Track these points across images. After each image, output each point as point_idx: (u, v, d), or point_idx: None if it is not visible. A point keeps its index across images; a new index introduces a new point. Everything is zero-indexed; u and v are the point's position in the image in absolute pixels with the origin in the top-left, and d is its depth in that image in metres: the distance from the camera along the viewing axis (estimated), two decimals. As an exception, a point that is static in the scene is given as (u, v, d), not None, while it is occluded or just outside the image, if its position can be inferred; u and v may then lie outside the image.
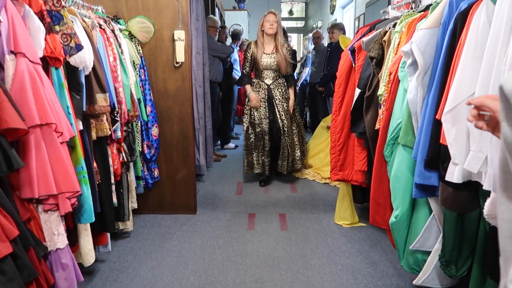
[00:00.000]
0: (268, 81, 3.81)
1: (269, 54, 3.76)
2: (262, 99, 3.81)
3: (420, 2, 2.30)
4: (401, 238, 1.96)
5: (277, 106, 3.81)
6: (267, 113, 3.82)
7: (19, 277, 1.31)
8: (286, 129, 3.83)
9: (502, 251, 0.65)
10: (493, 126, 0.85)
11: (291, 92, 3.91)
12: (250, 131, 3.88)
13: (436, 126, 1.57)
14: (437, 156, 1.59)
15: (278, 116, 3.82)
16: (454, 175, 1.46)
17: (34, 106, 1.51)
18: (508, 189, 0.61)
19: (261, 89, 3.82)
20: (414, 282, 1.94)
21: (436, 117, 1.55)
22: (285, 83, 3.89)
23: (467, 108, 1.39)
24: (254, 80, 3.87)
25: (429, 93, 1.65)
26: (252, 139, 3.87)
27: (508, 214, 0.61)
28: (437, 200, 1.72)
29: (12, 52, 1.50)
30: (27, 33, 1.59)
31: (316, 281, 2.30)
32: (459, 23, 1.52)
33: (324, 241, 2.81)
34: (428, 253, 1.86)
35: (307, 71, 6.36)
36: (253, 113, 3.83)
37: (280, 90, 3.83)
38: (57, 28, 1.79)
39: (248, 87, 3.85)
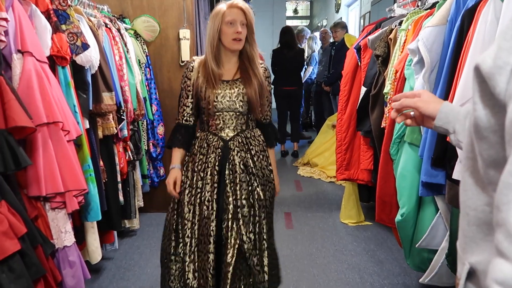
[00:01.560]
0: (226, 133, 1.71)
1: (229, 83, 1.69)
2: (206, 172, 1.70)
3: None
4: (407, 237, 1.95)
5: (234, 191, 1.69)
6: (213, 206, 1.68)
7: (27, 274, 1.32)
8: (244, 237, 1.68)
9: (463, 236, 0.64)
10: (421, 119, 0.93)
11: (271, 157, 1.83)
12: (179, 227, 1.74)
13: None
14: (444, 154, 1.59)
15: (231, 212, 1.67)
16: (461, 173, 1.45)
17: (41, 105, 1.52)
18: (474, 175, 0.60)
19: (210, 151, 1.71)
20: (420, 280, 1.93)
21: (443, 115, 1.54)
22: (260, 138, 1.78)
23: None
24: (199, 135, 1.76)
25: (436, 91, 1.64)
26: (181, 243, 1.73)
27: (475, 201, 0.60)
28: (443, 198, 1.71)
29: (19, 51, 1.51)
30: (34, 32, 1.60)
31: (322, 279, 2.30)
32: (466, 20, 1.51)
33: (330, 240, 2.80)
34: (435, 251, 1.85)
35: (311, 69, 6.35)
36: (184, 201, 1.72)
37: (248, 153, 1.72)
38: (63, 27, 1.80)
39: (178, 154, 1.75)
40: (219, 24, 1.60)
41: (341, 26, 5.13)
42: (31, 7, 1.65)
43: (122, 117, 2.38)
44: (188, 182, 1.72)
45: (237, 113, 1.69)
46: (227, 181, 1.68)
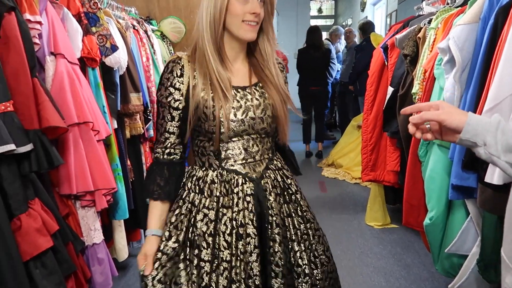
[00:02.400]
0: (252, 168, 1.13)
1: (246, 91, 1.13)
2: (238, 236, 1.08)
3: (457, -3, 2.23)
4: (436, 241, 1.90)
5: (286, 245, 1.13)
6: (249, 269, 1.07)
7: (59, 271, 1.36)
8: None
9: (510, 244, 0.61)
10: (439, 132, 0.85)
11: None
12: None
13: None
14: (475, 156, 1.53)
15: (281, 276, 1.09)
16: (494, 176, 1.40)
17: (73, 105, 1.56)
18: None
19: (235, 201, 1.10)
20: (449, 286, 1.88)
21: (475, 116, 1.50)
22: (286, 167, 1.24)
23: (509, 106, 1.33)
24: (201, 174, 1.14)
25: (467, 91, 1.59)
26: None
27: None
28: (475, 202, 1.65)
29: (52, 53, 1.56)
30: (66, 35, 1.65)
31: (347, 282, 2.27)
32: (500, 18, 1.46)
33: (355, 242, 2.77)
34: (465, 257, 1.79)
35: (335, 68, 6.29)
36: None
37: (287, 195, 1.18)
38: (93, 29, 1.85)
39: (156, 212, 1.14)
40: None
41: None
42: (63, 10, 1.70)
43: (149, 117, 2.42)
44: (206, 256, 1.06)
45: (263, 135, 1.14)
46: (271, 250, 1.08)
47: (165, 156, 1.13)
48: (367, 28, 4.92)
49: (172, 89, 1.08)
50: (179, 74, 1.09)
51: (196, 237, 1.08)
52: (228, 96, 1.07)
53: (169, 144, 1.13)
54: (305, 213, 1.19)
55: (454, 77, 1.65)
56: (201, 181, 1.12)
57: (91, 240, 1.71)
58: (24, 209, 1.30)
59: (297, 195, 1.20)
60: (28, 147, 1.29)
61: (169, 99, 1.09)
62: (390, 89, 2.51)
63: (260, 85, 1.14)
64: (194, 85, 1.08)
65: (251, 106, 1.10)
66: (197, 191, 1.12)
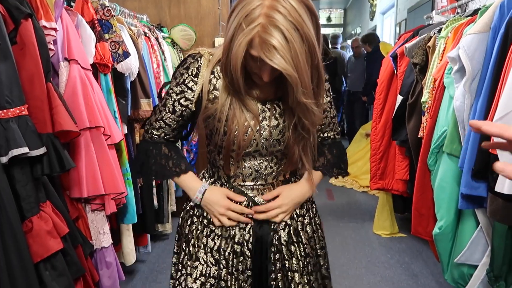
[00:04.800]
0: (261, 192, 1.08)
1: (267, 106, 1.01)
2: (232, 254, 1.06)
3: (467, 6, 2.23)
4: (445, 251, 1.89)
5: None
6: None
7: (68, 273, 1.37)
8: None
9: None
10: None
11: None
12: None
13: (485, 135, 1.50)
14: (485, 165, 1.53)
15: None
16: (504, 186, 1.39)
17: (85, 110, 1.58)
18: None
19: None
20: (458, 297, 1.86)
21: (485, 125, 1.49)
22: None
23: (520, 116, 1.32)
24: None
25: (477, 100, 1.58)
26: None
27: None
28: (485, 211, 1.64)
29: (66, 59, 1.59)
30: (79, 41, 1.68)
31: (354, 291, 2.25)
32: (511, 27, 1.46)
33: (363, 251, 2.75)
34: (475, 267, 1.77)
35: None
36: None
37: (299, 220, 1.13)
38: (106, 36, 1.88)
39: (188, 177, 1.11)
40: (245, 46, 0.85)
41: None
42: (78, 17, 1.73)
43: (159, 123, 2.44)
44: (196, 271, 1.06)
45: (279, 157, 1.06)
46: (272, 275, 1.06)
47: (161, 136, 1.08)
48: (372, 39, 4.95)
49: (184, 87, 1.01)
50: (194, 73, 1.00)
51: (201, 252, 1.07)
52: (251, 106, 0.98)
53: (163, 133, 1.08)
54: (315, 244, 1.15)
55: (464, 86, 1.65)
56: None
57: (100, 243, 1.72)
58: (35, 211, 1.32)
59: (312, 225, 1.14)
60: (41, 150, 1.31)
61: (179, 96, 1.02)
62: (399, 98, 2.51)
63: (285, 100, 0.98)
64: (209, 90, 1.00)
65: (267, 126, 1.00)
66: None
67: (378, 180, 2.83)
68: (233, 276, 1.05)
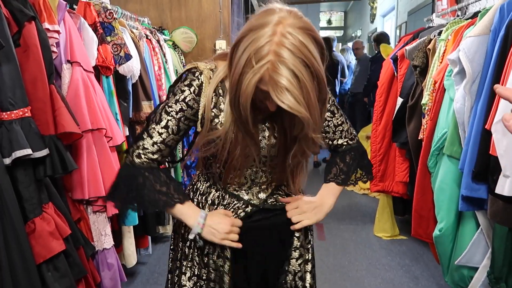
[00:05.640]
0: (255, 193, 1.08)
1: (263, 124, 1.01)
2: (221, 257, 1.05)
3: (467, 9, 2.24)
4: (446, 253, 1.89)
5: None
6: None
7: (70, 274, 1.38)
8: None
9: None
10: None
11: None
12: None
13: (485, 137, 1.51)
14: (485, 167, 1.53)
15: None
16: (505, 187, 1.40)
17: (87, 112, 1.60)
18: None
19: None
20: (459, 299, 1.86)
21: (486, 127, 1.50)
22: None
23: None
24: (200, 186, 1.14)
25: (478, 102, 1.59)
26: None
27: None
28: (485, 213, 1.64)
29: (68, 61, 1.60)
30: (82, 43, 1.69)
31: (354, 293, 2.25)
32: (511, 30, 1.47)
33: (363, 253, 2.75)
34: (475, 269, 1.77)
35: (345, 81, 6.30)
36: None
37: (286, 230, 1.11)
38: (108, 38, 1.89)
39: (189, 206, 1.05)
40: (255, 84, 0.82)
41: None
42: (80, 20, 1.74)
43: (160, 125, 2.45)
44: (190, 271, 1.10)
45: (275, 168, 1.07)
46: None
47: (149, 161, 0.99)
48: (381, 38, 4.93)
49: (183, 105, 0.96)
50: (196, 92, 0.96)
51: (195, 254, 1.09)
52: (246, 139, 0.95)
53: (160, 157, 0.99)
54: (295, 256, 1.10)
55: (464, 88, 1.66)
56: (203, 198, 1.09)
57: (102, 245, 1.73)
58: (38, 212, 1.33)
59: (299, 238, 1.12)
60: (44, 152, 1.31)
61: (179, 115, 0.96)
62: (400, 100, 2.51)
63: (280, 117, 0.96)
64: (209, 107, 0.96)
65: (266, 145, 1.00)
66: (200, 207, 1.08)
67: (378, 182, 2.83)
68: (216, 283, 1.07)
